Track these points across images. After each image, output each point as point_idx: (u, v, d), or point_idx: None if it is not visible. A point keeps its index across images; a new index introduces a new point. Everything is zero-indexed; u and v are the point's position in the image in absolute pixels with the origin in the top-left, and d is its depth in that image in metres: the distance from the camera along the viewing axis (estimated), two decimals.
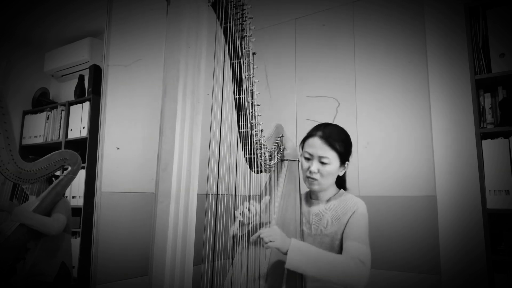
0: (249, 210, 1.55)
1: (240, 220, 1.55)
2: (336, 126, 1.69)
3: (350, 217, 1.57)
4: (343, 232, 1.56)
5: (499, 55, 2.18)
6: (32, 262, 2.18)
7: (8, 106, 1.84)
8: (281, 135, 1.85)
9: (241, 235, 1.59)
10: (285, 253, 1.38)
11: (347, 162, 1.67)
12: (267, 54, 3.37)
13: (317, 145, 1.60)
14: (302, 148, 1.69)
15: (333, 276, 1.39)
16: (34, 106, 2.90)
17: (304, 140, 1.69)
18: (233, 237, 1.63)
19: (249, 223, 1.57)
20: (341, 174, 1.68)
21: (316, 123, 1.73)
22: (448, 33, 2.57)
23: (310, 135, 1.66)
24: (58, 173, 2.27)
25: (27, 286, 2.15)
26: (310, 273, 1.40)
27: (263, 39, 3.40)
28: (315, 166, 1.60)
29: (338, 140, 1.61)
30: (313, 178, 1.62)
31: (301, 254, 1.38)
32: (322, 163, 1.60)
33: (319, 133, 1.63)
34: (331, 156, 1.59)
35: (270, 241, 1.38)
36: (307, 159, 1.64)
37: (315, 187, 1.65)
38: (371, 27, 2.90)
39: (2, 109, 1.82)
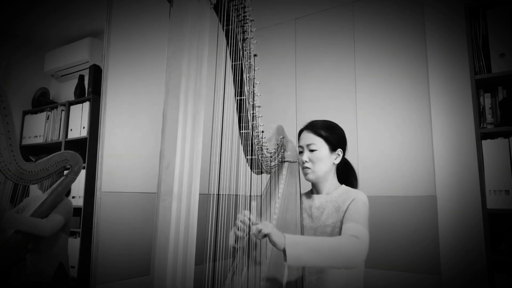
0: (243, 222, 1.53)
1: (236, 234, 1.54)
2: (324, 120, 1.77)
3: (350, 204, 1.59)
4: (342, 218, 1.58)
5: (499, 55, 2.18)
6: (31, 262, 2.18)
7: (10, 107, 1.84)
8: (281, 137, 1.86)
9: (239, 248, 1.59)
10: (282, 251, 1.35)
11: (340, 149, 1.72)
12: (267, 54, 3.37)
13: (305, 137, 1.71)
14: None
15: (334, 260, 1.38)
16: (34, 106, 2.90)
17: (298, 138, 1.79)
18: (233, 248, 1.63)
19: (244, 235, 1.56)
20: (335, 162, 1.72)
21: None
22: (448, 33, 2.57)
23: (301, 131, 1.77)
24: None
25: (26, 287, 2.14)
26: (312, 263, 1.37)
27: (263, 39, 3.40)
28: (305, 155, 1.69)
29: (323, 127, 1.70)
30: (306, 167, 1.69)
31: (299, 247, 1.35)
32: (311, 150, 1.68)
33: (307, 127, 1.74)
34: (317, 142, 1.67)
35: (261, 230, 1.35)
36: (301, 152, 1.72)
37: (310, 176, 1.70)
38: (371, 27, 2.91)
39: (4, 109, 1.82)
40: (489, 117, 2.24)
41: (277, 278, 1.50)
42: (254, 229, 1.38)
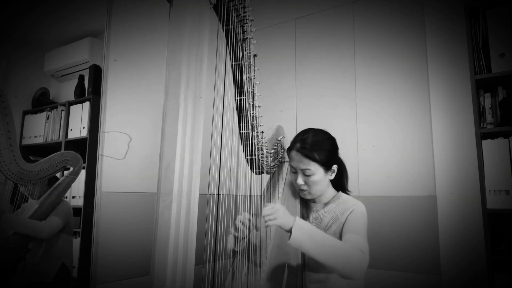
0: (243, 224, 1.53)
1: (235, 236, 1.54)
2: (316, 133, 1.67)
3: (349, 215, 1.57)
4: (342, 229, 1.57)
5: (499, 55, 2.18)
6: (32, 262, 2.18)
7: (10, 107, 1.84)
8: (281, 137, 1.86)
9: (238, 251, 1.58)
10: (288, 231, 1.37)
11: (334, 166, 1.66)
12: (267, 54, 3.37)
13: (297, 159, 1.60)
14: (289, 155, 1.68)
15: (334, 260, 1.37)
16: (34, 106, 2.89)
17: (288, 153, 1.68)
18: (232, 251, 1.62)
19: (244, 238, 1.57)
20: (331, 178, 1.67)
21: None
22: (448, 33, 2.57)
23: (290, 148, 1.66)
24: (58, 174, 2.27)
25: (26, 286, 2.15)
26: (313, 253, 1.37)
27: (263, 39, 3.40)
28: (300, 179, 1.61)
29: (317, 149, 1.59)
30: (303, 189, 1.64)
31: (304, 233, 1.37)
32: (306, 175, 1.60)
33: (297, 145, 1.61)
34: (313, 167, 1.58)
35: (270, 220, 1.37)
36: (293, 172, 1.65)
37: (308, 196, 1.66)
38: (371, 27, 2.91)
39: (4, 109, 1.82)
40: (489, 117, 2.23)
41: (277, 278, 1.50)
42: (265, 211, 1.38)
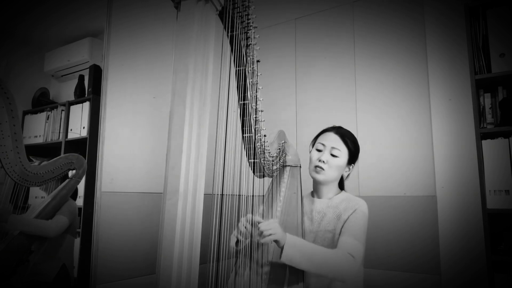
0: (246, 228, 1.55)
1: (237, 238, 1.56)
2: (349, 131, 1.80)
3: (351, 214, 1.62)
4: (342, 228, 1.60)
5: (499, 55, 2.18)
6: (33, 263, 2.18)
7: (17, 109, 1.84)
8: (283, 141, 1.88)
9: (240, 249, 1.60)
10: (281, 247, 1.44)
11: (352, 165, 1.76)
12: (267, 54, 3.37)
13: (332, 138, 1.72)
14: (314, 143, 1.79)
15: (324, 269, 1.46)
16: (34, 106, 2.89)
17: (317, 136, 1.80)
18: (235, 251, 1.64)
19: (246, 238, 1.58)
20: (345, 174, 1.77)
21: None
22: (448, 33, 2.58)
23: (325, 130, 1.78)
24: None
25: (26, 286, 2.15)
26: (303, 267, 1.45)
27: (263, 39, 3.40)
28: (325, 156, 1.70)
29: (350, 139, 1.73)
30: (320, 167, 1.70)
31: (295, 249, 1.44)
32: (333, 155, 1.69)
33: (334, 130, 1.75)
34: (342, 150, 1.70)
35: (270, 234, 1.42)
36: (319, 150, 1.74)
37: (321, 177, 1.71)
38: (371, 27, 2.91)
39: (12, 112, 1.83)
40: (489, 117, 2.24)
41: (278, 278, 1.50)
42: (262, 226, 1.43)
